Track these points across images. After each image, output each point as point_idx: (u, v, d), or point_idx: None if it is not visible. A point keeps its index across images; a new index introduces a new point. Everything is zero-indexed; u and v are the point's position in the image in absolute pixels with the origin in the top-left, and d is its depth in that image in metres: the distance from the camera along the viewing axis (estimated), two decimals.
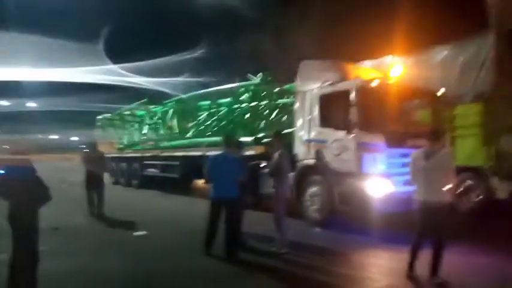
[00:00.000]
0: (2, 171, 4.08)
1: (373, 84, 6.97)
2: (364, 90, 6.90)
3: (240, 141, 6.76)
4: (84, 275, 5.05)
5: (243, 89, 11.17)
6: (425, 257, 4.67)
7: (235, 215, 5.88)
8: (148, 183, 14.94)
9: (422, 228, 4.74)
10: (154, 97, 15.86)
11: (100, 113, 19.73)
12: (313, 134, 7.88)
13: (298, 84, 8.41)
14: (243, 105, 11.15)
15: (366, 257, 5.88)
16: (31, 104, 41.37)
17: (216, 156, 6.07)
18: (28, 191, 3.95)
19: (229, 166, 5.84)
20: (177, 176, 13.55)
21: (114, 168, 16.84)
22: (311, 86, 7.97)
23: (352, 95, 6.95)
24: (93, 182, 9.17)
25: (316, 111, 7.80)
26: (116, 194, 10.37)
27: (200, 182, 17.07)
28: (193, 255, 5.83)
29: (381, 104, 6.91)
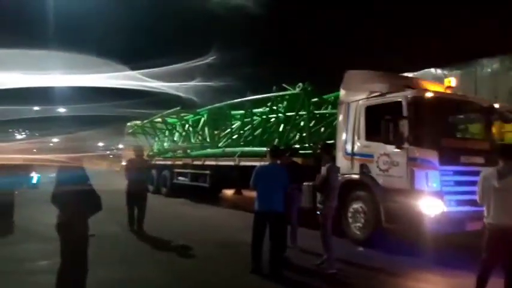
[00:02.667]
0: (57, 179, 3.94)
1: (427, 95, 6.58)
2: (416, 101, 6.52)
3: (286, 152, 6.47)
4: (125, 284, 4.90)
5: (279, 98, 10.93)
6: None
7: (281, 230, 5.57)
8: (177, 191, 14.83)
9: (491, 255, 4.30)
10: (187, 105, 15.89)
11: (125, 118, 20.52)
12: (357, 147, 7.51)
13: (343, 95, 8.07)
14: (279, 115, 10.91)
15: (421, 282, 5.46)
16: (61, 109, 42.70)
17: (263, 166, 5.80)
18: (81, 199, 3.79)
19: (277, 177, 5.55)
20: (207, 186, 13.39)
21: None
22: (357, 96, 7.62)
23: (404, 107, 6.58)
24: (137, 192, 8.27)
25: (362, 123, 7.43)
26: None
27: (229, 192, 16.95)
28: (234, 270, 5.56)
29: (435, 117, 6.53)
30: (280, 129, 10.75)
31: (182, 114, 15.43)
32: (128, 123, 20.46)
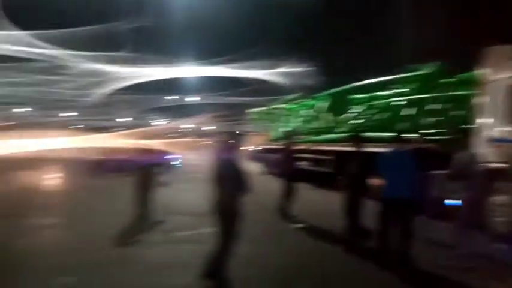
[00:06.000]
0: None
1: None
2: None
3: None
4: (251, 261, 5.30)
5: (408, 80, 10.25)
6: None
7: (410, 218, 5.32)
8: (299, 175, 15.10)
9: None
10: (307, 91, 16.03)
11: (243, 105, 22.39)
12: (502, 133, 6.66)
13: (485, 74, 7.19)
14: (406, 98, 10.23)
15: None
16: (192, 98, 47.39)
17: (389, 153, 5.64)
18: (235, 180, 4.27)
19: (404, 163, 5.38)
20: (330, 171, 13.32)
21: (267, 159, 17.57)
22: (502, 75, 6.73)
23: None
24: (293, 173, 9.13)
25: (508, 105, 6.56)
26: (269, 184, 10.83)
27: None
28: (356, 258, 5.55)
29: None
30: (410, 112, 10.08)
31: (302, 100, 15.58)
32: (249, 110, 21.50)
